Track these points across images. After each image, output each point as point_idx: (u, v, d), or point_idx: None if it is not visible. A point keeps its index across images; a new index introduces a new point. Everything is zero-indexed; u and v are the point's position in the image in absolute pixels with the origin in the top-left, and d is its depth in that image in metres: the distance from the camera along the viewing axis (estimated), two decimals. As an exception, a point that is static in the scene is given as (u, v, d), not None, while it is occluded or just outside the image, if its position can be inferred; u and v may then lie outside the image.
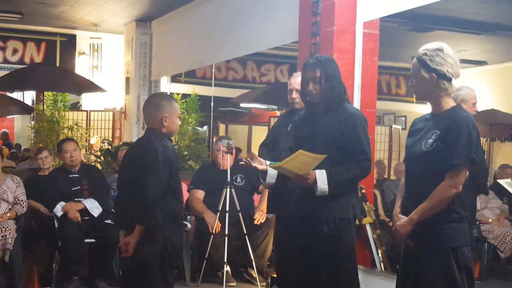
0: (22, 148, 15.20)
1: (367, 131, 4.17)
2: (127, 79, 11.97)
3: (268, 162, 4.29)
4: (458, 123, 3.32)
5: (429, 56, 3.38)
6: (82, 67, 12.73)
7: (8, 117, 17.57)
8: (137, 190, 3.78)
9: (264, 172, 4.34)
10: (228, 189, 6.47)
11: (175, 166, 3.92)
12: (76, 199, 6.49)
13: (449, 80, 3.40)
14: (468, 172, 3.40)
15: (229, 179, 6.51)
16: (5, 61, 12.42)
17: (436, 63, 3.36)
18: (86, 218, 6.43)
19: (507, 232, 7.27)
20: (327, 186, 3.97)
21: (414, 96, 3.71)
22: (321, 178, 3.98)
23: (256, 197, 7.08)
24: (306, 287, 4.17)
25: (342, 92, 4.14)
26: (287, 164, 3.92)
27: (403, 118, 14.61)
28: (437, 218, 3.35)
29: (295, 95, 4.82)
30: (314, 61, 4.18)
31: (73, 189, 6.57)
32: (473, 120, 3.39)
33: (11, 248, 5.99)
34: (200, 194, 6.91)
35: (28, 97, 14.49)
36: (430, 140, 3.40)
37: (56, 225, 6.39)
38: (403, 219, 3.47)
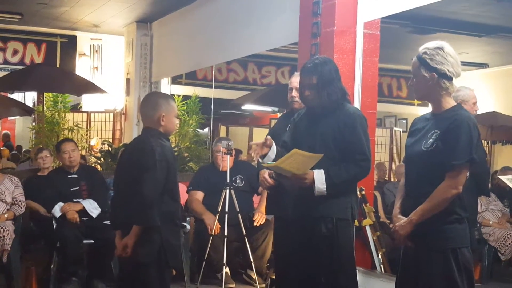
0: (23, 150, 15.19)
1: (367, 131, 4.14)
2: (128, 80, 11.95)
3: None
4: (458, 123, 3.28)
5: (429, 55, 3.35)
6: (82, 68, 12.71)
7: (9, 118, 17.55)
8: (134, 190, 3.74)
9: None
10: (228, 190, 6.43)
11: (172, 166, 3.88)
12: (74, 200, 6.46)
13: (450, 79, 3.36)
14: (468, 173, 3.37)
15: (228, 180, 6.47)
16: (5, 62, 12.40)
17: (436, 62, 3.32)
18: (85, 219, 6.39)
19: (508, 234, 7.24)
20: (325, 186, 3.95)
21: (415, 98, 3.67)
22: (319, 178, 3.95)
23: (255, 199, 7.05)
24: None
25: (339, 96, 4.11)
26: (283, 164, 3.87)
27: (404, 121, 14.60)
28: (437, 219, 3.31)
29: (295, 93, 4.79)
30: (311, 66, 4.13)
31: (71, 189, 6.53)
32: (474, 119, 3.35)
33: (9, 249, 5.97)
34: (200, 195, 6.87)
35: (29, 98, 14.47)
36: (430, 140, 3.36)
37: (54, 226, 6.35)
38: (402, 219, 3.43)
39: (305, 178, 3.96)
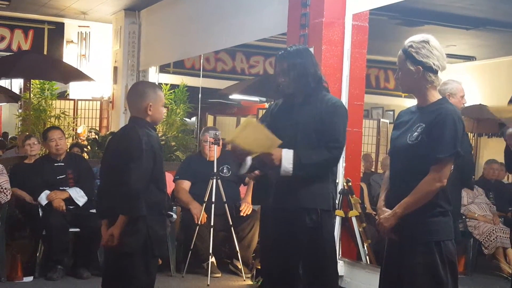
0: (9, 137, 15.10)
1: (346, 121, 4.09)
2: (115, 69, 11.90)
3: None
4: (443, 116, 3.29)
5: (415, 48, 3.35)
6: (70, 55, 12.62)
7: (-5, 105, 17.47)
8: (120, 180, 3.73)
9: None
10: (214, 180, 6.44)
11: (159, 155, 3.87)
12: (61, 188, 6.46)
13: (435, 72, 3.37)
14: (453, 166, 3.39)
15: (215, 170, 6.48)
16: (-8, 48, 12.32)
17: (422, 55, 3.33)
18: (71, 207, 6.40)
19: (492, 230, 7.27)
20: (291, 166, 3.85)
21: (401, 91, 3.66)
22: (287, 157, 3.86)
23: (242, 189, 7.06)
24: (288, 279, 4.15)
25: (311, 80, 4.02)
26: (238, 138, 3.82)
27: (391, 112, 14.63)
28: (421, 212, 3.32)
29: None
30: (283, 53, 4.12)
31: (58, 177, 6.53)
32: (458, 113, 3.36)
33: (-5, 236, 5.96)
34: (186, 184, 6.88)
35: (16, 85, 14.39)
36: (415, 133, 3.37)
37: (40, 214, 6.34)
38: (387, 212, 3.44)
39: (271, 154, 3.87)
